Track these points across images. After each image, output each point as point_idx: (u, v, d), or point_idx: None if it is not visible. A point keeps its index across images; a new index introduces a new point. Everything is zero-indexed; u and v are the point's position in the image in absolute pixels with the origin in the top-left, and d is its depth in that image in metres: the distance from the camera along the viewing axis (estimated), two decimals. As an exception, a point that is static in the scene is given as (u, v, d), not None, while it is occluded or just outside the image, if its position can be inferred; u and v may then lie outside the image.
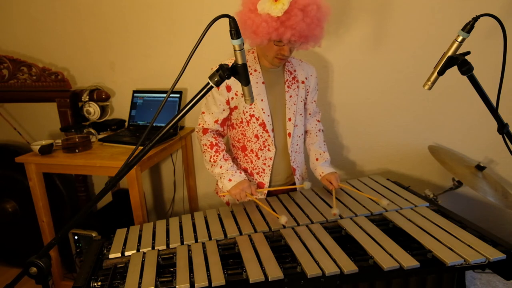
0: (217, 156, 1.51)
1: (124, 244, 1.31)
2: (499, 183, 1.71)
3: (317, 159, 1.63)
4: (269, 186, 1.59)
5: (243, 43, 0.97)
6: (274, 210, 1.43)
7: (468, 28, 1.05)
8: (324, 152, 1.65)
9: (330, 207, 1.46)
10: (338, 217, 1.38)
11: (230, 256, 1.22)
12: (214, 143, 1.52)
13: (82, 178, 2.25)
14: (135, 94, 2.15)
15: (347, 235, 1.28)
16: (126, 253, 1.26)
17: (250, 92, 1.08)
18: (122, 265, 1.23)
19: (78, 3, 2.15)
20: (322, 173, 1.60)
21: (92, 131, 2.06)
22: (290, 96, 1.53)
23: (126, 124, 2.21)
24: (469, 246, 1.15)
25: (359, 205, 1.46)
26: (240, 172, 1.51)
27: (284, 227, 1.32)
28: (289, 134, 1.54)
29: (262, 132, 1.51)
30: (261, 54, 1.46)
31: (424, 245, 1.17)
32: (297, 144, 1.60)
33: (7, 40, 2.33)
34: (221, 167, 1.50)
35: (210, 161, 1.52)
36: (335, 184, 1.55)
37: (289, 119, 1.53)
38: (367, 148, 2.09)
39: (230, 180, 1.48)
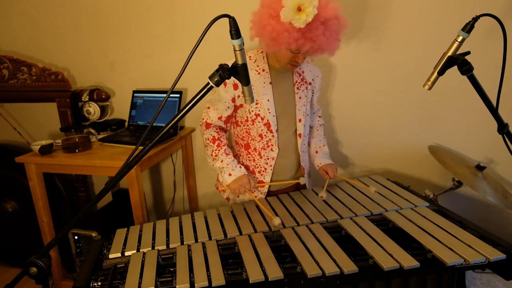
0: (219, 150, 1.52)
1: (124, 244, 1.31)
2: (499, 183, 1.71)
3: (316, 152, 1.69)
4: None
5: (243, 43, 0.97)
6: (273, 210, 1.43)
7: (468, 28, 1.05)
8: (323, 145, 1.71)
9: (331, 207, 1.46)
10: (323, 199, 1.51)
11: (230, 256, 1.22)
12: (216, 137, 1.53)
13: (82, 178, 2.25)
14: (135, 94, 2.15)
15: (347, 235, 1.28)
16: (126, 253, 1.26)
17: (250, 92, 1.08)
18: (122, 265, 1.23)
19: (78, 3, 2.15)
20: (320, 164, 1.66)
21: (92, 131, 2.06)
22: (300, 98, 1.53)
23: (126, 124, 2.21)
24: (469, 246, 1.15)
25: (359, 205, 1.46)
26: (240, 167, 1.53)
27: (284, 226, 1.32)
28: (300, 135, 1.55)
29: (267, 132, 1.51)
30: (273, 57, 1.46)
31: (424, 245, 1.17)
32: (304, 144, 1.62)
33: (7, 40, 2.33)
34: (222, 161, 1.51)
35: (211, 155, 1.53)
36: (331, 174, 1.60)
37: (299, 120, 1.54)
38: (367, 148, 2.08)
39: (230, 174, 1.50)
